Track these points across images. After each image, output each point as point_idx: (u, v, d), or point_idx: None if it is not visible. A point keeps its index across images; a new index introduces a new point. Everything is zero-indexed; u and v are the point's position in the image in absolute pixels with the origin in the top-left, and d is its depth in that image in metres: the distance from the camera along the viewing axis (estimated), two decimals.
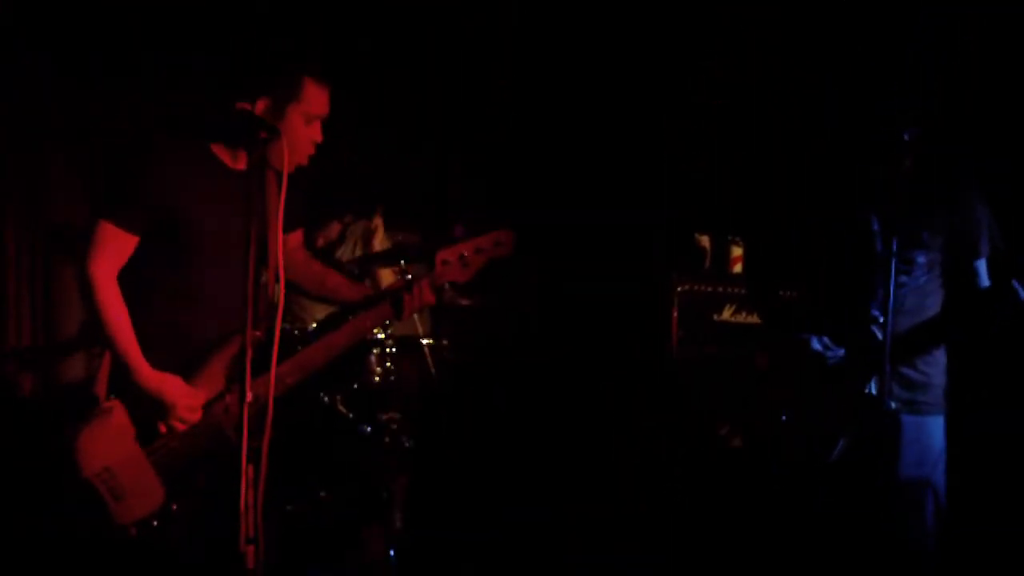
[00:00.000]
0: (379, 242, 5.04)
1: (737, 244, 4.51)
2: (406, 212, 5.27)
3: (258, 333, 2.44)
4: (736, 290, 4.36)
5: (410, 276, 2.99)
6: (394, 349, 4.49)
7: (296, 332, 3.86)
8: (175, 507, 2.71)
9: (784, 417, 3.33)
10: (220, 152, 2.84)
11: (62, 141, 4.95)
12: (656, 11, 5.12)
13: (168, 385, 2.70)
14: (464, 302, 4.59)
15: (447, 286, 2.98)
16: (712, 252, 4.53)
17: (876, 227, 3.18)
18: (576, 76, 5.39)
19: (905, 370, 3.12)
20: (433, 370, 4.62)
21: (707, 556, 4.04)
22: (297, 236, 3.14)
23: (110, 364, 2.77)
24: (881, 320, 3.03)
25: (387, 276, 4.77)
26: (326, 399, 4.40)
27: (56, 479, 2.72)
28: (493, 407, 5.14)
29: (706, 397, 4.24)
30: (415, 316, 4.70)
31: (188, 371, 2.76)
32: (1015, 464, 3.61)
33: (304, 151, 2.78)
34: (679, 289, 4.31)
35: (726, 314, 4.34)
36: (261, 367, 2.45)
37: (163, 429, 2.71)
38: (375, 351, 4.46)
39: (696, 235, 4.54)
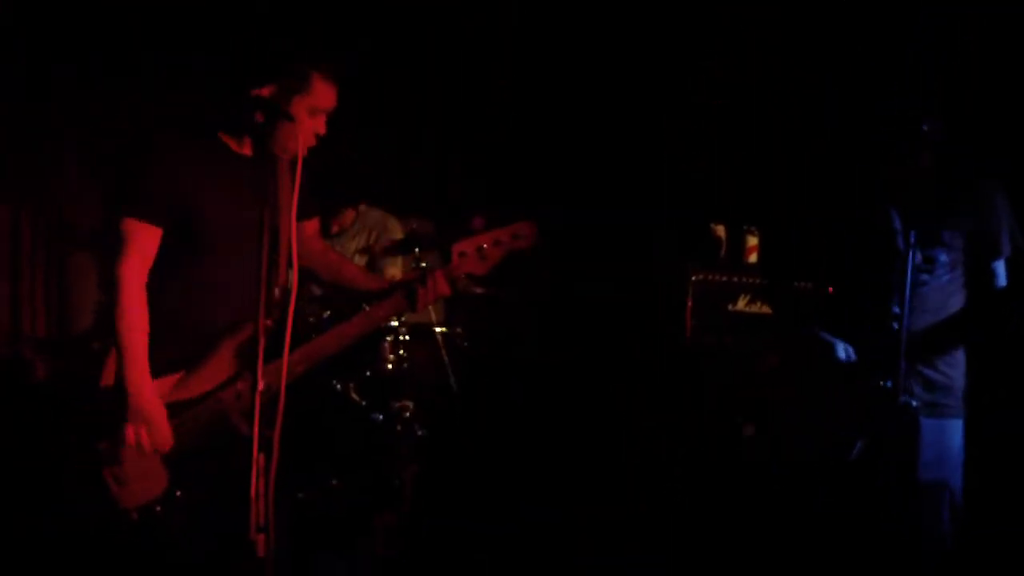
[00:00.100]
0: (394, 230, 5.03)
1: (752, 234, 4.48)
2: (416, 204, 5.26)
3: (268, 322, 2.43)
4: (751, 280, 4.32)
5: (424, 265, 2.97)
6: (407, 337, 4.50)
7: (311, 320, 3.86)
8: (179, 494, 2.70)
9: (799, 414, 3.32)
10: (226, 139, 2.85)
11: (67, 140, 4.96)
12: (656, 11, 5.12)
13: (155, 411, 2.69)
14: (478, 290, 4.58)
15: (463, 279, 2.92)
16: (727, 242, 4.51)
17: (898, 225, 3.15)
18: (576, 76, 5.40)
19: (927, 371, 3.11)
20: (446, 358, 4.63)
21: (712, 557, 4.04)
22: (313, 224, 3.12)
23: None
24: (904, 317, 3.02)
25: (393, 271, 4.76)
26: (339, 386, 4.40)
27: (60, 464, 2.72)
28: (505, 397, 5.14)
29: (720, 387, 4.23)
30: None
31: (196, 358, 2.76)
32: None
33: (306, 142, 2.76)
34: (693, 279, 4.28)
35: (741, 304, 4.31)
36: (272, 355, 2.44)
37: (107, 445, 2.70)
38: (388, 339, 4.47)
39: (712, 225, 4.52)
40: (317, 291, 4.36)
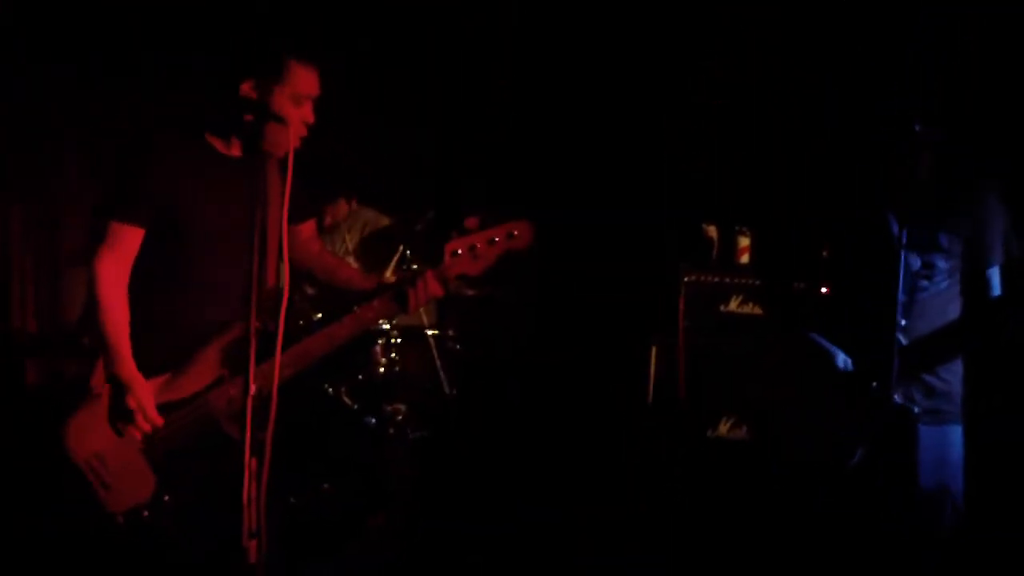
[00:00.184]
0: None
1: (744, 234, 4.49)
2: (412, 204, 5.26)
3: (256, 324, 2.42)
4: (743, 281, 4.34)
5: (416, 268, 2.93)
6: (399, 340, 4.49)
7: (300, 323, 3.85)
8: (167, 498, 2.68)
9: (798, 417, 3.31)
10: (213, 141, 2.83)
11: (67, 140, 4.96)
12: (656, 11, 5.12)
13: (140, 387, 2.67)
14: (470, 292, 4.57)
15: (455, 280, 2.85)
16: (719, 242, 4.51)
17: (897, 231, 3.13)
18: (576, 76, 5.39)
19: (927, 378, 3.10)
20: (438, 361, 4.62)
21: (712, 557, 4.04)
22: (310, 226, 3.09)
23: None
24: (904, 324, 3.02)
25: (384, 274, 4.76)
26: (331, 390, 4.39)
27: (47, 467, 2.71)
28: (498, 398, 5.13)
29: (712, 388, 4.23)
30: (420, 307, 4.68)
31: (183, 359, 2.74)
32: None
33: (296, 132, 2.72)
34: (686, 279, 4.28)
35: (733, 305, 4.32)
36: (261, 357, 2.42)
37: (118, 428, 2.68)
38: (380, 342, 4.46)
39: (703, 225, 4.52)
40: (310, 291, 4.35)
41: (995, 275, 3.11)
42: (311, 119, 2.77)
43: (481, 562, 4.20)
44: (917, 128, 2.97)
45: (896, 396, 3.01)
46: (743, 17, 4.96)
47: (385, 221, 5.05)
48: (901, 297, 3.02)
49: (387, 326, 4.45)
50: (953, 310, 3.13)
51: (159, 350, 2.73)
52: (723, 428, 4.25)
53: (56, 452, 2.68)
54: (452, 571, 4.19)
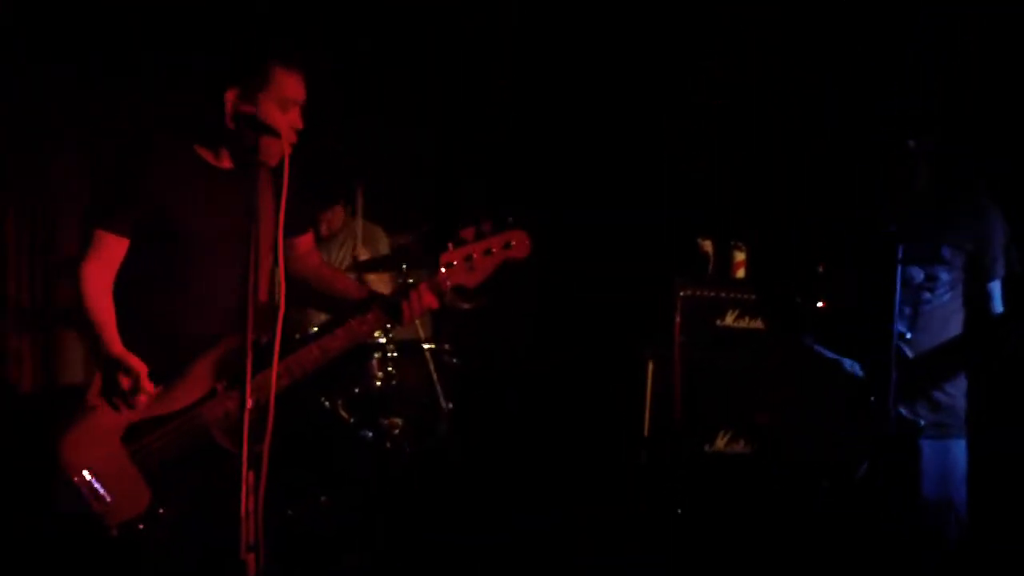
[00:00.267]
0: (380, 244, 5.03)
1: (740, 249, 4.50)
2: (406, 213, 5.27)
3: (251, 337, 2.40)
4: (739, 295, 4.34)
5: (412, 280, 2.91)
6: (396, 354, 4.48)
7: (296, 336, 3.85)
8: (162, 511, 2.67)
9: (801, 427, 3.29)
10: (203, 152, 2.82)
11: (63, 140, 4.96)
12: (656, 11, 5.12)
13: (132, 360, 2.64)
14: (465, 306, 4.55)
15: (450, 291, 2.80)
16: (715, 257, 4.52)
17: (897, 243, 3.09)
18: (576, 76, 5.39)
19: (932, 391, 3.09)
20: (435, 375, 4.60)
21: (712, 557, 4.04)
22: (307, 240, 3.05)
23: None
24: (909, 337, 3.01)
25: (379, 284, 4.75)
26: (327, 403, 4.39)
27: (42, 478, 2.70)
28: (496, 408, 5.12)
29: (709, 402, 4.23)
30: (416, 320, 4.67)
31: (174, 373, 2.73)
32: None
33: (286, 139, 2.65)
34: (682, 294, 4.29)
35: (729, 319, 4.33)
36: (254, 371, 2.41)
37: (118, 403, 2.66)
38: (376, 355, 4.45)
39: (699, 240, 4.52)
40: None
41: (996, 289, 3.11)
42: (300, 125, 2.73)
43: (482, 572, 4.21)
44: (911, 143, 2.97)
45: (902, 409, 3.00)
46: (743, 17, 4.96)
47: (379, 232, 5.05)
48: (905, 310, 3.02)
49: (383, 340, 4.44)
50: (956, 322, 3.13)
51: (150, 360, 2.71)
52: (720, 442, 4.25)
53: (52, 466, 2.66)
54: None
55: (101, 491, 2.66)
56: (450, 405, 4.64)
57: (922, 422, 3.03)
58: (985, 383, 3.22)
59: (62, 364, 4.95)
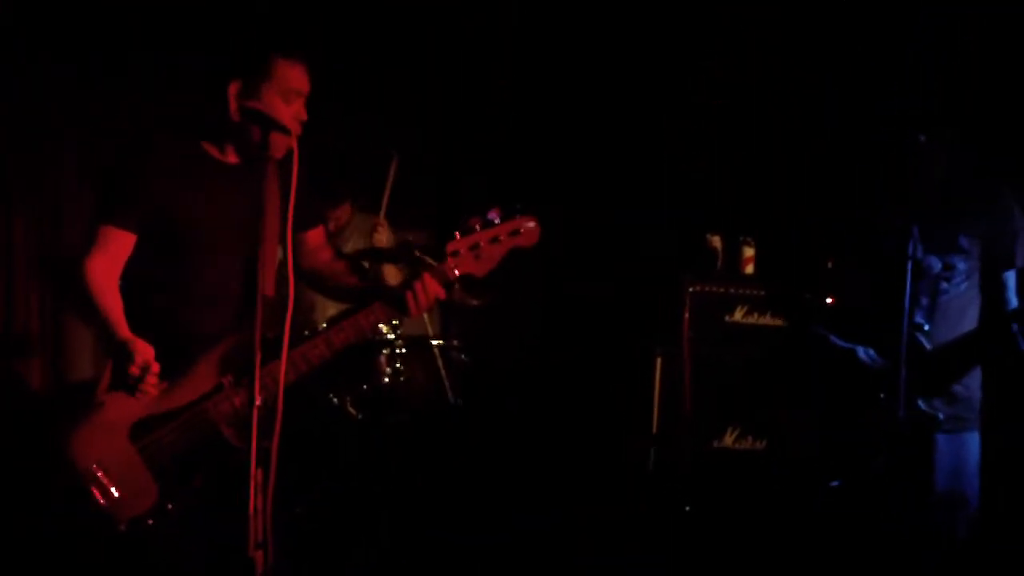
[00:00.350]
0: (384, 239, 5.02)
1: (749, 245, 4.49)
2: (410, 208, 5.25)
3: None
4: (748, 291, 4.33)
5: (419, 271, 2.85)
6: (404, 350, 4.48)
7: (305, 333, 3.86)
8: (171, 507, 2.67)
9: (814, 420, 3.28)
10: (208, 147, 2.82)
11: (67, 140, 4.96)
12: (656, 11, 5.12)
13: (141, 346, 2.63)
14: (474, 303, 4.54)
15: (457, 284, 2.76)
16: (724, 253, 4.51)
17: (918, 233, 3.06)
18: (576, 76, 5.39)
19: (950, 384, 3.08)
20: (443, 371, 4.60)
21: (712, 557, 4.04)
22: (318, 234, 3.02)
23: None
24: (927, 328, 3.00)
25: (392, 274, 4.75)
26: (335, 400, 4.39)
27: (49, 474, 2.71)
28: (504, 404, 5.12)
29: (718, 398, 4.22)
30: (425, 317, 4.66)
31: (180, 367, 2.73)
32: None
33: (292, 131, 2.64)
34: (691, 290, 4.27)
35: (738, 315, 4.32)
36: (262, 365, 2.41)
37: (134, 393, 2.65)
38: (385, 352, 4.45)
39: (708, 236, 4.51)
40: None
41: (1011, 278, 3.11)
42: (304, 116, 2.73)
43: (482, 572, 4.21)
44: (922, 138, 2.96)
45: (920, 403, 2.99)
46: (743, 17, 4.96)
47: (380, 225, 5.04)
48: (923, 300, 3.02)
49: (392, 336, 4.44)
50: (972, 312, 3.13)
51: (158, 356, 2.71)
52: (729, 439, 4.24)
53: (59, 462, 2.66)
54: None
55: (109, 486, 2.66)
56: (459, 401, 4.64)
57: (940, 416, 3.02)
58: (1001, 377, 3.21)
59: (70, 361, 4.94)
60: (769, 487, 3.99)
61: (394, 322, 4.45)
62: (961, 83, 4.05)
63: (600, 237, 5.10)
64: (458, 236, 2.74)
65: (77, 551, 2.69)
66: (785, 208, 4.67)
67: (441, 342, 4.66)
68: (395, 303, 2.75)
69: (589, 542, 4.36)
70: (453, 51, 5.68)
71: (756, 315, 4.31)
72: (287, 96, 2.69)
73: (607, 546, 4.30)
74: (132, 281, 2.79)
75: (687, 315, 4.25)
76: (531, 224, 2.76)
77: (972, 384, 3.13)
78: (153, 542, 2.67)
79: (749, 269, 4.50)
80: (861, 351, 3.14)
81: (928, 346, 3.01)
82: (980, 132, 3.76)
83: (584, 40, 5.34)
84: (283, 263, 2.68)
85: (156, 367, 2.61)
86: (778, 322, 4.31)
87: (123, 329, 2.67)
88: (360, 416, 4.40)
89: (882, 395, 3.03)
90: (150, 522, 2.66)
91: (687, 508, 4.14)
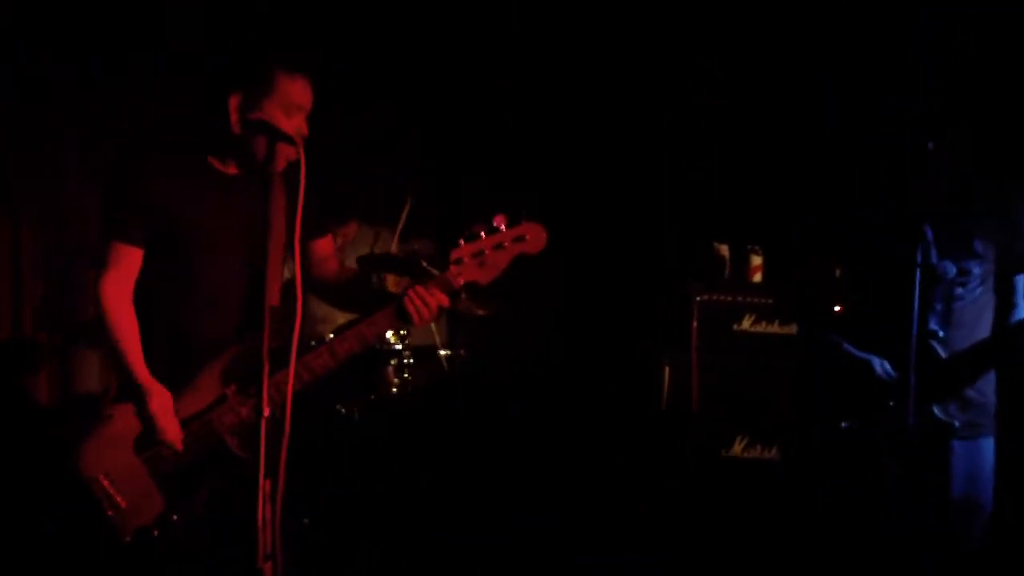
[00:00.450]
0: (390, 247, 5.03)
1: (756, 253, 4.48)
2: (414, 218, 5.25)
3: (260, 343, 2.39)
4: (756, 300, 4.33)
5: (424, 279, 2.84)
6: (411, 360, 4.48)
7: (312, 343, 3.86)
8: (176, 517, 2.68)
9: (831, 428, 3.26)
10: (211, 159, 2.81)
11: (67, 140, 4.96)
12: (656, 11, 5.12)
13: (159, 394, 2.66)
14: (480, 312, 4.54)
15: (463, 292, 2.73)
16: (731, 261, 4.51)
17: (932, 237, 3.01)
18: (576, 76, 5.39)
19: (964, 390, 3.06)
20: (451, 381, 4.61)
21: (712, 557, 4.04)
22: (326, 244, 3.00)
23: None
24: (942, 335, 2.99)
25: (397, 284, 4.74)
26: (343, 410, 4.40)
27: (55, 485, 2.71)
28: (497, 411, 5.12)
29: (726, 407, 4.22)
30: (432, 326, 4.66)
31: (183, 380, 2.74)
32: None
33: (299, 144, 2.62)
34: (698, 299, 4.27)
35: (746, 324, 4.31)
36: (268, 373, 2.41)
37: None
38: (392, 362, 4.45)
39: (715, 244, 4.50)
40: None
41: (1021, 281, 3.08)
42: (305, 131, 2.71)
43: (482, 572, 4.21)
44: (930, 146, 2.95)
45: (936, 410, 2.98)
46: (743, 17, 4.96)
47: (390, 240, 5.04)
48: (937, 306, 3.00)
49: (399, 346, 4.44)
50: (988, 317, 3.10)
51: (160, 367, 2.73)
52: (737, 447, 4.24)
53: (66, 474, 2.67)
54: None
55: (116, 497, 2.66)
56: (465, 409, 4.65)
57: (956, 423, 3.01)
58: (1015, 383, 3.20)
59: (77, 373, 4.94)
60: (778, 496, 3.99)
61: (402, 332, 4.46)
62: (961, 83, 4.04)
63: (594, 241, 5.10)
64: (462, 243, 2.72)
65: (84, 561, 2.70)
66: (785, 208, 4.67)
67: (448, 352, 4.66)
68: (398, 312, 2.73)
69: (589, 542, 4.36)
70: (453, 51, 5.68)
71: (764, 324, 4.31)
72: (288, 110, 2.68)
73: (607, 546, 4.30)
74: (139, 291, 2.79)
75: (695, 324, 4.25)
76: (537, 230, 2.72)
77: (987, 389, 3.11)
78: (158, 552, 2.67)
79: (757, 278, 4.49)
80: (877, 363, 3.09)
81: (943, 354, 2.99)
82: (980, 132, 3.77)
83: (584, 40, 5.34)
84: (290, 276, 2.67)
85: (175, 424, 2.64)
86: (787, 331, 4.29)
87: (143, 372, 2.69)
88: (368, 426, 4.41)
89: (892, 403, 3.01)
90: (155, 532, 2.67)
91: (695, 516, 4.13)
